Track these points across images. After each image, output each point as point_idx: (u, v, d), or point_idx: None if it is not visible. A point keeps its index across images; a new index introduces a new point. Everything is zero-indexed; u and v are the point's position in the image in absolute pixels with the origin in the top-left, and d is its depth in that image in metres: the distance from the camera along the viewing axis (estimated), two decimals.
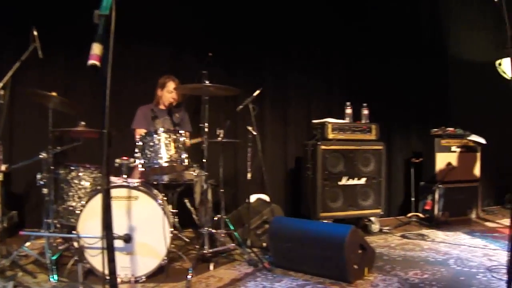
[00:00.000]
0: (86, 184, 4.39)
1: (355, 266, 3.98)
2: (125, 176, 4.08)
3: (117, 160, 4.10)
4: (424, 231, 6.14)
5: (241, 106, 5.08)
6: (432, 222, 6.55)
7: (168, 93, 5.41)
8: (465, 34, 8.00)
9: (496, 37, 7.65)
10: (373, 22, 7.28)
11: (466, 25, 7.99)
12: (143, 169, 4.26)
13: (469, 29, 8.00)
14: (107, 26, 2.06)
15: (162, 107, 5.51)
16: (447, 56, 7.99)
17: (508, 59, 2.87)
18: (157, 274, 3.97)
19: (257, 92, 5.10)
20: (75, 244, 3.80)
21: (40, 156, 4.13)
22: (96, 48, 2.01)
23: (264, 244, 5.08)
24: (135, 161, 4.22)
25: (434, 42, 7.88)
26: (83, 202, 4.02)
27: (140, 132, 4.89)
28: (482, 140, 6.94)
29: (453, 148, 6.83)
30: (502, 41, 6.87)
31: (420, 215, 6.89)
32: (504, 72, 7.01)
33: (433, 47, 7.84)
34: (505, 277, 3.97)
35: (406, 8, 7.67)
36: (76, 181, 4.37)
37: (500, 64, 5.17)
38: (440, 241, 5.55)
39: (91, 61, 1.99)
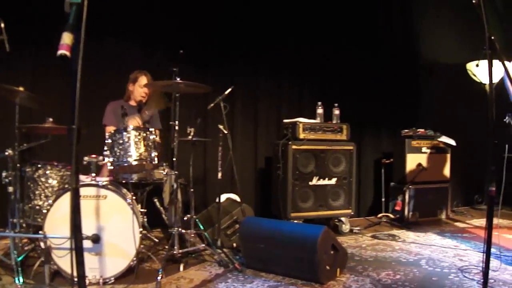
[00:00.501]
0: (54, 182, 4.27)
1: (328, 267, 3.95)
2: (93, 174, 3.98)
3: (86, 158, 3.99)
4: (395, 232, 6.15)
5: (212, 104, 5.02)
6: (402, 223, 6.59)
7: (140, 87, 5.32)
8: (437, 36, 8.06)
9: (467, 40, 7.73)
10: (345, 23, 7.28)
11: (438, 27, 8.06)
12: (112, 168, 4.15)
13: (440, 31, 8.07)
14: (79, 15, 1.98)
15: (132, 103, 5.42)
16: (418, 58, 8.04)
17: (486, 60, 2.86)
18: (126, 275, 3.87)
19: (229, 90, 5.05)
20: (42, 244, 3.68)
21: (6, 153, 4.00)
22: (66, 38, 1.92)
23: (235, 245, 5.04)
24: (104, 159, 4.11)
25: (406, 43, 7.93)
26: (50, 201, 3.89)
27: (110, 129, 4.80)
28: (452, 142, 7.01)
29: (424, 149, 6.88)
30: (474, 43, 6.95)
31: (390, 215, 6.94)
32: (474, 75, 7.08)
33: (405, 48, 7.88)
34: (476, 277, 4.01)
35: (378, 9, 7.71)
36: (43, 179, 4.25)
37: (477, 65, 5.21)
38: (411, 242, 5.56)
39: (60, 51, 1.90)
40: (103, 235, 3.78)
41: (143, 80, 5.32)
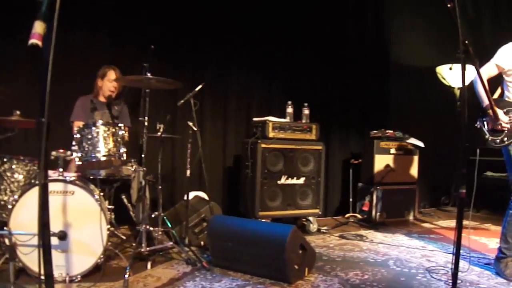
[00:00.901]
0: (20, 177, 4.16)
1: (296, 267, 3.94)
2: (61, 169, 3.90)
3: (53, 153, 3.91)
4: (363, 232, 6.17)
5: (182, 101, 4.96)
6: (370, 223, 6.64)
7: (109, 82, 5.24)
8: (407, 38, 8.15)
9: (437, 43, 7.84)
10: (316, 23, 7.29)
11: (409, 29, 8.15)
12: (80, 163, 4.08)
13: (412, 33, 8.17)
14: (52, 4, 1.92)
15: (101, 99, 5.34)
16: (388, 60, 8.11)
17: (459, 64, 2.89)
18: (93, 273, 3.81)
19: (199, 87, 4.99)
20: (6, 241, 3.58)
21: None
22: (38, 27, 1.87)
23: (203, 243, 5.01)
24: (72, 154, 4.04)
25: (377, 45, 7.99)
26: (15, 197, 3.79)
27: (78, 124, 4.71)
28: (421, 144, 7.09)
29: (392, 151, 6.96)
30: (443, 47, 7.03)
31: (358, 215, 7.00)
32: (444, 78, 7.17)
33: (376, 50, 7.94)
34: (444, 278, 4.05)
35: (350, 10, 7.75)
36: (8, 174, 4.13)
37: (450, 69, 5.27)
38: (378, 242, 5.59)
39: (32, 40, 1.85)
40: (70, 232, 3.72)
41: (111, 74, 5.25)
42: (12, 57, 5.26)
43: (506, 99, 4.31)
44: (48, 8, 1.91)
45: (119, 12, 5.92)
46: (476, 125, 4.36)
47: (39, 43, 1.86)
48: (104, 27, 5.87)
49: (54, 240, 3.63)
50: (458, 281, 3.86)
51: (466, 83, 2.88)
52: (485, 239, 5.88)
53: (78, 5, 5.25)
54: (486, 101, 4.17)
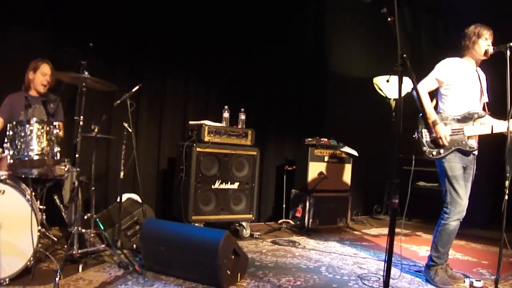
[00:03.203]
0: None
1: (228, 272, 3.93)
2: None
3: None
4: (295, 238, 6.22)
5: (118, 101, 4.90)
6: (302, 229, 6.71)
7: (42, 75, 5.08)
8: (346, 48, 8.31)
9: (374, 55, 8.03)
10: (257, 30, 7.34)
11: (349, 40, 8.31)
12: (12, 161, 3.97)
13: (350, 44, 8.34)
14: None
15: (33, 93, 5.16)
16: (326, 70, 8.23)
17: (396, 76, 2.96)
18: (23, 275, 3.71)
19: (136, 88, 4.93)
20: None
21: None
22: None
23: (135, 246, 4.94)
24: (3, 152, 3.91)
25: (315, 54, 8.10)
26: None
27: None
28: (354, 152, 7.22)
29: (326, 158, 7.05)
30: (381, 59, 7.20)
31: (291, 222, 7.06)
32: (380, 89, 7.35)
33: (314, 60, 8.06)
34: (375, 285, 4.13)
35: (291, 17, 7.82)
36: None
37: (387, 81, 5.38)
38: (311, 248, 5.63)
39: None
40: None
41: (45, 67, 5.09)
42: None
43: (441, 111, 4.45)
44: None
45: (57, 7, 5.77)
46: (414, 136, 4.48)
47: None
48: (42, 23, 5.72)
49: None
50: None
51: (402, 95, 2.96)
52: (416, 247, 6.03)
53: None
54: (432, 116, 4.31)
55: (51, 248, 4.57)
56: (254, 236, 6.14)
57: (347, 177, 7.30)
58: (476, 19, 4.54)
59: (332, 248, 5.76)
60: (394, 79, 3.07)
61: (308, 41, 8.05)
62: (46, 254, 4.18)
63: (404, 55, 2.98)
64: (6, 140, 3.96)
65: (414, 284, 4.31)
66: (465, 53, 4.49)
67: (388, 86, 7.27)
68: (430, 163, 4.53)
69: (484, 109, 4.58)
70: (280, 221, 7.23)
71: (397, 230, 6.17)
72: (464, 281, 4.39)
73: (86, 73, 4.20)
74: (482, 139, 4.44)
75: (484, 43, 4.34)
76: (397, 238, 5.93)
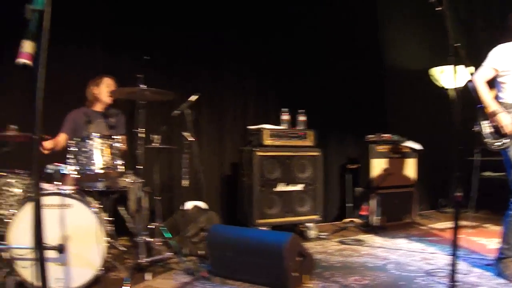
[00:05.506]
0: (17, 191, 4.15)
1: (294, 274, 3.93)
2: (57, 183, 3.91)
3: (50, 166, 3.93)
4: (362, 237, 6.17)
5: (177, 111, 4.99)
6: (369, 227, 6.64)
7: (107, 87, 5.22)
8: (401, 42, 8.17)
9: (430, 45, 7.86)
10: (310, 28, 7.32)
11: (402, 33, 8.17)
12: (77, 176, 4.08)
13: (404, 37, 8.19)
14: (40, 22, 1.93)
15: (98, 108, 5.31)
16: (382, 64, 8.12)
17: (450, 66, 2.90)
18: (93, 285, 3.81)
19: (195, 97, 5.02)
20: (5, 255, 3.59)
21: None
22: (27, 46, 1.88)
23: (201, 252, 4.99)
24: (68, 168, 4.05)
25: (371, 49, 8.00)
26: (13, 211, 3.81)
27: (61, 137, 4.91)
28: (418, 146, 7.09)
29: (389, 154, 6.93)
30: (436, 50, 7.05)
31: (357, 220, 6.99)
32: (437, 80, 7.19)
33: (370, 54, 7.96)
34: (443, 280, 4.04)
35: (343, 15, 7.76)
36: (5, 188, 4.12)
37: (442, 72, 5.29)
38: (378, 246, 5.58)
39: (21, 60, 1.85)
40: (69, 245, 3.70)
41: (108, 80, 5.25)
42: (6, 72, 5.25)
43: (501, 100, 4.30)
44: (37, 27, 1.92)
45: (112, 22, 5.93)
46: (474, 128, 4.37)
47: (29, 62, 1.86)
48: (97, 39, 5.89)
49: (52, 254, 3.62)
50: (459, 283, 3.88)
51: (458, 85, 2.89)
52: (485, 240, 5.85)
53: (70, 18, 5.25)
54: (492, 107, 4.19)
55: (119, 258, 4.67)
56: (320, 236, 6.12)
57: (411, 171, 7.17)
58: None
59: (399, 244, 5.68)
60: (448, 69, 3.03)
61: (362, 37, 7.94)
62: (114, 263, 4.28)
63: (457, 45, 2.92)
64: (70, 156, 4.08)
65: (484, 278, 4.18)
66: None
67: (445, 76, 7.10)
68: (496, 152, 4.39)
69: None
70: (346, 220, 7.18)
71: (464, 223, 6.09)
72: None
73: (143, 85, 4.29)
74: None
75: None
76: (464, 231, 5.85)
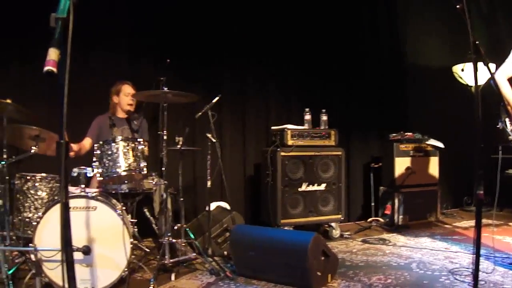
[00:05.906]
0: (43, 194, 4.25)
1: (319, 273, 3.95)
2: (83, 185, 3.97)
3: (75, 170, 3.98)
4: (385, 236, 6.15)
5: (200, 113, 5.03)
6: (392, 226, 6.61)
7: (126, 96, 5.30)
8: (422, 39, 8.12)
9: (452, 42, 7.79)
10: (330, 28, 7.30)
11: (423, 30, 8.11)
12: (101, 179, 4.15)
13: (426, 34, 8.13)
14: (65, 30, 1.98)
15: (120, 115, 5.40)
16: (404, 62, 8.07)
17: (471, 64, 2.89)
18: (118, 286, 3.86)
19: (216, 98, 5.05)
20: (32, 257, 3.66)
21: None
22: (53, 53, 1.92)
23: (226, 253, 5.02)
24: (93, 170, 4.10)
25: (391, 47, 7.96)
26: (40, 214, 3.87)
27: (86, 141, 5.01)
28: (441, 144, 7.05)
29: (412, 153, 6.91)
30: (458, 46, 6.99)
31: (380, 219, 6.96)
32: (460, 77, 7.13)
33: (391, 52, 7.92)
34: (467, 279, 4.02)
35: (363, 13, 7.75)
36: (32, 192, 4.22)
37: (462, 70, 5.25)
38: (401, 245, 5.56)
39: (47, 68, 1.89)
40: (94, 247, 3.77)
41: (127, 88, 5.31)
42: (33, 79, 5.35)
43: None
44: (62, 34, 1.96)
45: (134, 28, 6.01)
46: (497, 126, 4.33)
47: (54, 69, 1.90)
48: (120, 44, 5.96)
49: (78, 255, 3.69)
50: (482, 282, 3.87)
51: (481, 82, 2.89)
52: (509, 238, 5.80)
53: (93, 24, 5.31)
54: None
55: (144, 259, 4.73)
56: (344, 236, 6.12)
57: (434, 170, 7.13)
58: None
59: (423, 243, 5.65)
60: (469, 66, 3.02)
61: (383, 35, 7.90)
62: (139, 264, 4.34)
63: (477, 42, 2.91)
64: (94, 159, 4.14)
65: (508, 277, 4.15)
66: None
67: (466, 74, 7.03)
68: None
69: None
70: (370, 219, 7.16)
71: (488, 221, 6.03)
72: None
73: (166, 88, 4.34)
74: None
75: None
76: (489, 229, 5.80)
